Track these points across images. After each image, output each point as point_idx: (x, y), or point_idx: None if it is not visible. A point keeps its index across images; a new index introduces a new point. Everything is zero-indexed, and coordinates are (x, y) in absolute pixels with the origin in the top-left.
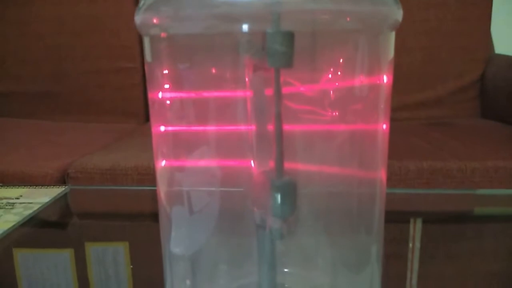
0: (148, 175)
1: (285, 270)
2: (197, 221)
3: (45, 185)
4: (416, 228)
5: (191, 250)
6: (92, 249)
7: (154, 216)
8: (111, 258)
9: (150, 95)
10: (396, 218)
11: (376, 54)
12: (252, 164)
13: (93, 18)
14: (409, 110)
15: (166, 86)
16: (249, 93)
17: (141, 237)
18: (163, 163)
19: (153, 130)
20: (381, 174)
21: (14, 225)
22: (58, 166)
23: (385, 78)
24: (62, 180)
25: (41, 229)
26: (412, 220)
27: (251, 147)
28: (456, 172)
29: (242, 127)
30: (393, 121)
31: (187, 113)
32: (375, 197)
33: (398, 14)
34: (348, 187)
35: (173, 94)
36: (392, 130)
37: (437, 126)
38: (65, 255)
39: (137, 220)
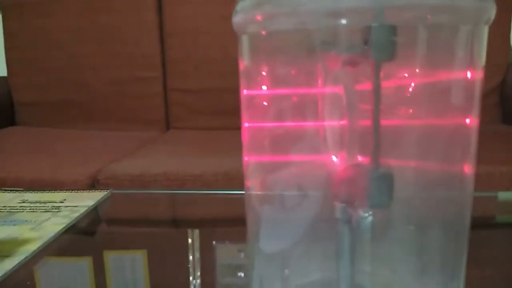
0: (177, 181)
1: (365, 269)
2: (287, 219)
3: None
4: None
5: (281, 248)
6: (111, 258)
7: (179, 221)
8: (129, 266)
9: (243, 91)
10: None
11: (472, 49)
12: (334, 159)
13: (114, 28)
14: None
15: (262, 83)
16: (341, 89)
17: (163, 245)
18: (254, 160)
19: (244, 126)
20: (471, 171)
21: (64, 227)
22: (88, 173)
23: (478, 73)
24: (92, 186)
25: (80, 234)
26: None
27: (337, 142)
28: (485, 177)
29: (333, 122)
30: None
31: (281, 110)
32: (465, 194)
33: (493, 9)
34: (437, 184)
35: (268, 92)
36: None
37: None
38: (84, 264)
39: (164, 227)
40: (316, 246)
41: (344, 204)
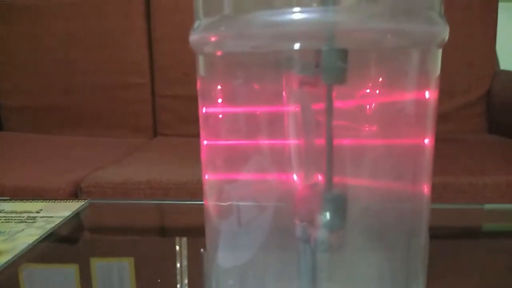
0: (160, 189)
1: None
2: (245, 235)
3: (62, 199)
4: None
5: (238, 264)
6: (98, 265)
7: (164, 231)
8: (116, 274)
9: (201, 109)
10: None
11: (424, 71)
12: (295, 178)
13: (104, 33)
14: None
15: (219, 101)
16: (296, 108)
17: (149, 252)
18: (212, 176)
19: (203, 143)
20: (427, 188)
21: (37, 239)
22: (71, 181)
23: (432, 94)
24: (74, 194)
25: (52, 243)
26: None
27: (296, 161)
28: (468, 187)
29: (290, 142)
30: None
31: (237, 128)
32: (421, 212)
33: (445, 32)
34: (394, 202)
35: (223, 109)
36: None
37: (444, 142)
38: (70, 271)
39: (147, 235)
40: (274, 264)
41: (303, 223)
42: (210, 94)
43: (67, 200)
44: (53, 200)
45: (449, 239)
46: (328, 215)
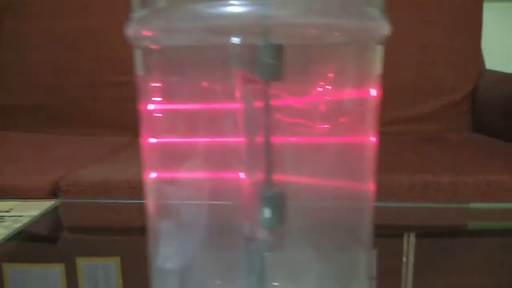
0: (140, 188)
1: (274, 284)
2: (187, 235)
3: (37, 199)
4: (410, 243)
5: (180, 264)
6: (84, 264)
7: (145, 230)
8: (102, 274)
9: (140, 107)
10: (390, 232)
11: (363, 68)
12: (242, 176)
13: (89, 31)
14: (401, 124)
15: (157, 98)
16: (239, 105)
17: (133, 252)
18: (153, 175)
19: (143, 142)
20: (370, 187)
21: (2, 239)
22: (50, 180)
23: (373, 91)
24: (53, 193)
25: (32, 243)
26: (406, 235)
27: (241, 159)
28: (448, 186)
29: (232, 139)
30: (385, 135)
31: (177, 125)
32: (363, 210)
33: (385, 28)
34: (337, 199)
35: (163, 106)
36: (385, 144)
37: (429, 141)
38: (56, 270)
39: (128, 235)
40: (218, 264)
41: (248, 223)
42: (148, 90)
43: (39, 199)
44: (25, 199)
45: (434, 238)
46: (265, 214)
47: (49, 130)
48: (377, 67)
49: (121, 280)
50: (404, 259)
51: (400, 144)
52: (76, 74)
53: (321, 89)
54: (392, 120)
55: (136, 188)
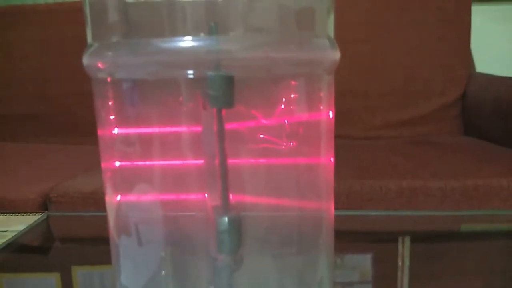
0: None
1: None
2: (149, 255)
3: (26, 211)
4: (404, 246)
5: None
6: (79, 273)
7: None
8: (98, 282)
9: (99, 133)
10: (384, 236)
11: (315, 95)
12: (206, 199)
13: (78, 40)
14: (392, 128)
15: (114, 125)
16: (198, 129)
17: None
18: (113, 199)
19: (103, 166)
20: (328, 207)
21: None
22: (40, 191)
23: (325, 116)
24: (44, 205)
25: (25, 254)
26: (400, 240)
27: (202, 182)
28: (436, 191)
29: (193, 162)
30: (376, 139)
31: (134, 151)
32: (322, 228)
33: (334, 56)
34: (295, 220)
35: (121, 131)
36: (375, 148)
37: (419, 144)
38: (52, 280)
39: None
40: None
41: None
42: (105, 118)
43: (26, 213)
44: (11, 214)
45: (428, 244)
46: (221, 239)
47: (39, 139)
48: (329, 94)
49: None
50: (400, 264)
51: (390, 148)
52: (66, 83)
53: (273, 116)
54: (382, 124)
55: None
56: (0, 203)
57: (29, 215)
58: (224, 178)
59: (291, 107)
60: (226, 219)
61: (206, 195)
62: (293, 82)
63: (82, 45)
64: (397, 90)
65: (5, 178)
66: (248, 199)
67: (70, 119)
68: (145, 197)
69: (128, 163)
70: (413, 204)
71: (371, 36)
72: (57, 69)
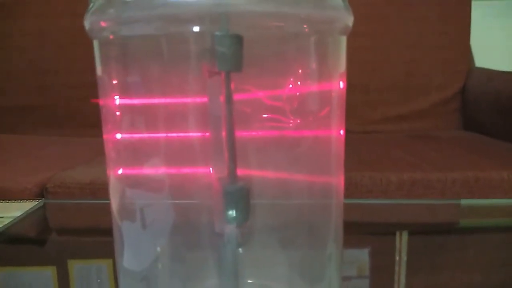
0: None
1: (248, 281)
2: (154, 233)
3: (22, 200)
4: (402, 240)
5: (145, 265)
6: (76, 267)
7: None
8: (95, 276)
9: (101, 102)
10: (381, 230)
11: (326, 59)
12: (209, 171)
13: (77, 31)
14: (391, 122)
15: (117, 91)
16: (204, 98)
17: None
18: (116, 173)
19: (105, 138)
20: (337, 181)
21: None
22: (37, 181)
23: (338, 84)
24: (41, 195)
25: (19, 245)
26: (398, 232)
27: (208, 154)
28: (436, 183)
29: (198, 134)
30: (376, 133)
31: (138, 120)
32: (331, 204)
33: (348, 19)
34: (303, 194)
35: (124, 101)
36: (375, 142)
37: (419, 138)
38: (48, 273)
39: (103, 236)
40: (185, 263)
41: (219, 219)
42: (108, 84)
43: (22, 200)
44: (7, 201)
45: (426, 235)
46: (230, 209)
47: (37, 131)
48: (342, 58)
49: (113, 282)
50: (397, 257)
51: (390, 142)
52: (65, 74)
53: (282, 81)
54: (382, 119)
55: None
56: None
57: (26, 202)
58: (232, 147)
59: (303, 73)
60: (235, 187)
61: (211, 167)
62: (304, 45)
63: (81, 36)
64: (397, 84)
65: (2, 168)
66: (256, 172)
67: (68, 111)
68: (149, 171)
69: (131, 134)
70: (414, 196)
71: (371, 31)
72: (54, 60)
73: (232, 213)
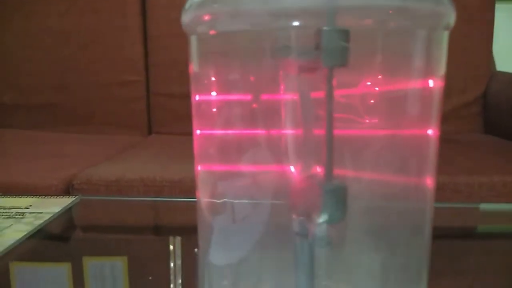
0: (154, 187)
1: (324, 283)
2: (241, 230)
3: (52, 196)
4: None
5: (232, 260)
6: (90, 264)
7: (157, 229)
8: (109, 273)
9: (194, 96)
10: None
11: (430, 54)
12: (292, 170)
13: (98, 31)
14: None
15: (212, 87)
16: (295, 96)
17: (141, 251)
18: (204, 168)
19: (196, 134)
20: (430, 182)
21: (25, 235)
22: (63, 177)
23: (437, 80)
24: (66, 191)
25: (43, 241)
26: None
27: (293, 152)
28: (464, 187)
29: (284, 131)
30: None
31: (234, 117)
32: (424, 206)
33: (452, 14)
34: (395, 196)
35: (217, 95)
36: None
37: (443, 142)
38: (62, 270)
39: (139, 233)
40: (270, 259)
41: (301, 217)
42: (203, 79)
43: (58, 196)
44: (43, 196)
45: (445, 238)
46: (327, 207)
47: (58, 129)
48: (443, 54)
49: (127, 280)
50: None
51: None
52: (86, 73)
53: (383, 78)
54: None
55: (151, 187)
56: (23, 189)
57: (61, 197)
58: (330, 144)
59: (405, 69)
60: (333, 185)
61: (299, 165)
62: (407, 39)
63: (102, 35)
64: None
65: (27, 165)
66: (348, 171)
67: (88, 110)
68: (237, 168)
69: (225, 130)
70: (441, 200)
71: None
72: (76, 59)
73: (329, 211)
